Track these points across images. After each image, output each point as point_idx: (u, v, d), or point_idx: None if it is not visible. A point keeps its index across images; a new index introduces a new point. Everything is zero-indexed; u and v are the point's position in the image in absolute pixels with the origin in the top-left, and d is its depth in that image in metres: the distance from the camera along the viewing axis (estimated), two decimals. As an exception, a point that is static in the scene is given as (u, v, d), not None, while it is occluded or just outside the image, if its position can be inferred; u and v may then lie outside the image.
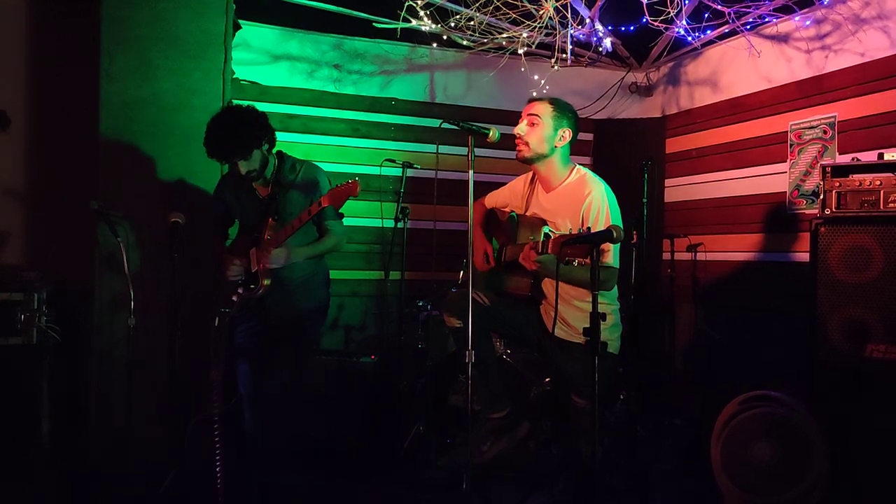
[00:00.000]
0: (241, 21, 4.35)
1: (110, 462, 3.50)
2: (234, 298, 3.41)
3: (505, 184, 3.59)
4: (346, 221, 3.55)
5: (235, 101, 4.28)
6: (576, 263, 2.63)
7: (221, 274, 3.48)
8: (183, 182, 3.77)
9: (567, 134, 3.22)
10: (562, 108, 3.23)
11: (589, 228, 2.73)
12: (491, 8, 4.51)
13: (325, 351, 4.42)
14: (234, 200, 3.54)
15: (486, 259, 3.46)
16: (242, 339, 3.50)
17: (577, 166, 3.28)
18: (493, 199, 3.60)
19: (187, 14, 3.78)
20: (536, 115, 3.20)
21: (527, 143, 3.19)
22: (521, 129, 3.21)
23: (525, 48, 4.98)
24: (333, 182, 3.28)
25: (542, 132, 3.19)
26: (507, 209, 3.51)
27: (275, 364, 3.43)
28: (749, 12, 4.50)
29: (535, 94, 5.17)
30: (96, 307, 3.62)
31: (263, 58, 5.03)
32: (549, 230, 2.88)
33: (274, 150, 3.47)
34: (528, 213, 3.34)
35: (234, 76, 4.42)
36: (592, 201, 3.07)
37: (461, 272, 4.45)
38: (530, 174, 3.43)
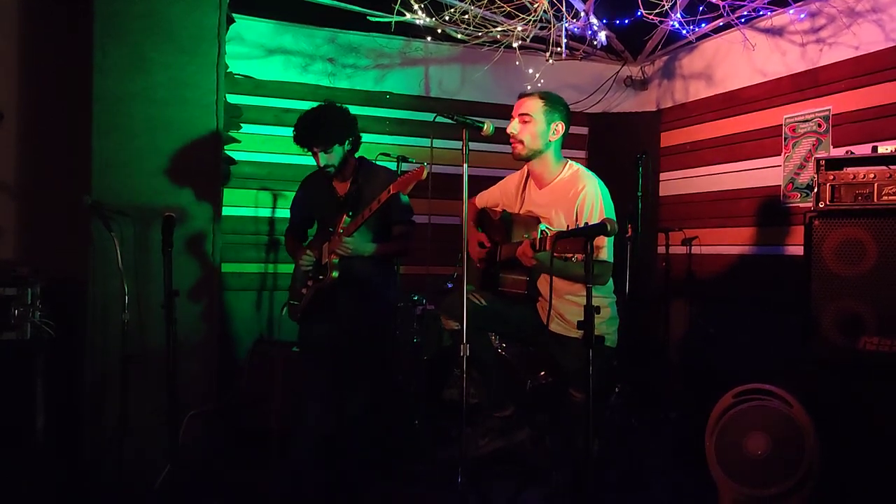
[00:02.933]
0: (234, 15, 4.33)
1: (105, 457, 3.49)
2: (304, 291, 3.58)
3: (499, 177, 3.58)
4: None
5: (230, 96, 4.30)
6: (574, 260, 2.63)
7: (294, 265, 3.69)
8: (177, 176, 3.75)
9: (560, 127, 3.21)
10: (553, 102, 3.21)
11: (586, 223, 2.73)
12: (485, 1, 4.50)
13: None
14: (312, 197, 3.73)
15: (481, 245, 3.46)
16: (308, 334, 3.67)
17: (570, 161, 3.28)
18: (483, 199, 3.59)
19: (181, 8, 3.76)
20: (528, 113, 3.18)
21: (521, 142, 3.18)
22: (514, 127, 3.20)
23: (520, 42, 4.98)
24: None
25: (535, 128, 3.17)
26: (498, 208, 3.50)
27: (357, 379, 3.56)
28: (744, 5, 4.49)
29: (528, 87, 5.17)
30: (90, 302, 3.61)
31: (258, 52, 5.01)
32: (546, 227, 2.88)
33: (356, 154, 3.63)
34: (521, 212, 3.33)
35: (229, 70, 4.40)
36: (586, 196, 3.07)
37: (456, 267, 4.45)
38: (522, 172, 3.42)
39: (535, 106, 3.19)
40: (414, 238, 3.68)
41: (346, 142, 3.50)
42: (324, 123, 3.42)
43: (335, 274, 3.41)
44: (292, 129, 3.50)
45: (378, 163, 3.89)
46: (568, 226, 3.01)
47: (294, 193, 3.88)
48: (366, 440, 3.61)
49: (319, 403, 3.56)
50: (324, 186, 3.64)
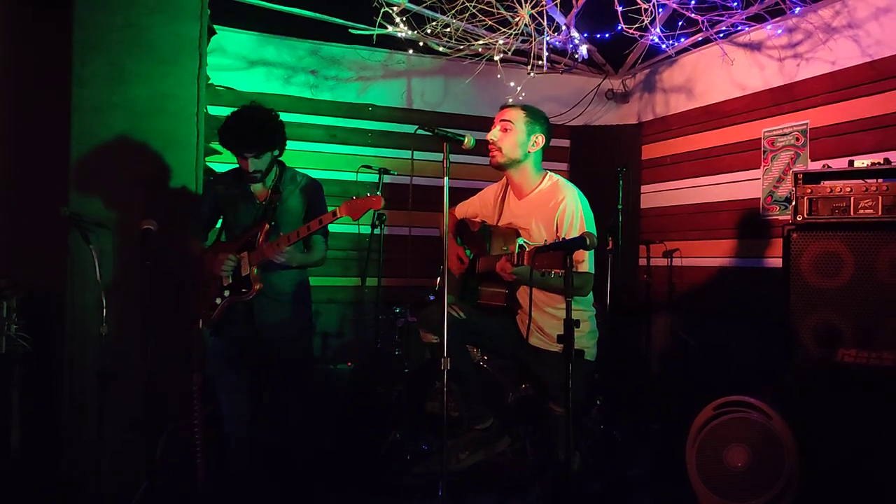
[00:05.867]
0: (216, 26, 4.32)
1: (82, 473, 3.44)
2: (218, 301, 3.36)
3: (480, 190, 3.59)
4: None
5: (211, 108, 4.27)
6: (552, 275, 2.63)
7: (209, 271, 3.39)
8: (156, 188, 3.72)
9: (540, 139, 3.22)
10: (534, 114, 3.23)
11: (565, 236, 2.74)
12: (467, 15, 4.52)
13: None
14: (227, 201, 3.51)
15: (461, 260, 3.46)
16: (228, 347, 3.45)
17: (550, 173, 3.29)
18: (463, 210, 3.59)
19: (161, 19, 3.74)
20: (509, 121, 3.20)
21: (500, 149, 3.19)
22: (494, 134, 3.21)
23: (501, 55, 5.01)
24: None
25: (514, 138, 3.19)
26: (477, 219, 3.51)
27: (278, 388, 3.45)
28: (722, 20, 4.55)
29: (510, 100, 5.19)
30: (68, 315, 3.56)
31: (239, 63, 5.01)
32: (525, 242, 2.88)
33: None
34: (500, 223, 3.34)
35: (210, 82, 4.38)
36: (566, 208, 3.08)
37: (437, 278, 4.45)
38: (501, 183, 3.43)
39: (517, 115, 3.21)
40: (326, 249, 3.54)
41: (276, 148, 3.39)
42: (259, 129, 3.29)
43: (259, 286, 3.26)
44: (220, 129, 3.33)
45: (366, 173, 3.80)
46: (548, 238, 3.02)
47: None
48: (310, 448, 3.56)
49: (248, 415, 3.45)
50: (241, 189, 3.47)
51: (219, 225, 3.66)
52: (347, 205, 3.06)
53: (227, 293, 3.34)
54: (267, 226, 3.27)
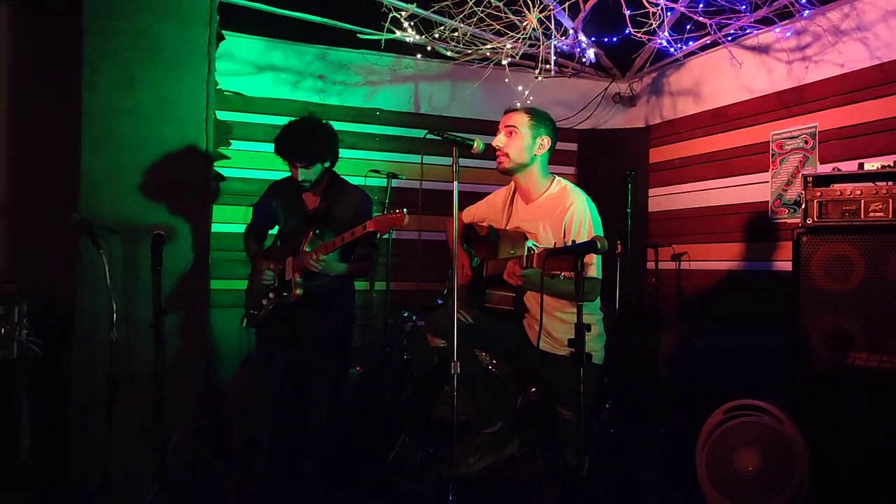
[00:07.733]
0: (224, 32, 4.33)
1: (91, 477, 3.45)
2: (264, 302, 3.56)
3: (488, 194, 3.59)
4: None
5: (219, 113, 4.29)
6: (562, 277, 2.63)
7: (254, 274, 3.65)
8: (166, 193, 3.74)
9: (546, 142, 3.22)
10: (539, 117, 3.23)
11: (574, 241, 2.74)
12: (475, 19, 4.53)
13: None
14: (280, 206, 3.69)
15: (464, 270, 3.47)
16: (266, 347, 3.62)
17: (557, 178, 3.28)
18: (470, 214, 3.59)
19: (170, 25, 3.76)
20: (514, 126, 3.19)
21: (506, 155, 3.19)
22: (500, 140, 3.21)
23: (509, 59, 5.01)
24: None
25: (520, 142, 3.19)
26: (485, 223, 3.50)
27: (313, 392, 3.54)
28: (730, 24, 4.54)
29: (518, 104, 5.20)
30: (78, 320, 3.57)
31: (248, 68, 5.02)
32: (533, 244, 2.88)
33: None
34: (508, 227, 3.34)
35: (218, 87, 4.40)
36: (574, 213, 3.08)
37: (446, 282, 4.45)
38: (508, 187, 3.43)
39: (521, 119, 3.21)
40: (374, 260, 3.68)
41: (326, 160, 3.50)
42: (310, 140, 3.42)
43: (300, 291, 3.41)
44: (275, 138, 3.47)
45: (369, 179, 3.88)
46: (556, 242, 3.02)
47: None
48: (329, 451, 3.60)
49: (278, 414, 3.56)
50: (293, 196, 3.62)
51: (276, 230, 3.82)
52: (376, 220, 3.14)
53: (271, 295, 3.53)
54: (311, 234, 3.40)
